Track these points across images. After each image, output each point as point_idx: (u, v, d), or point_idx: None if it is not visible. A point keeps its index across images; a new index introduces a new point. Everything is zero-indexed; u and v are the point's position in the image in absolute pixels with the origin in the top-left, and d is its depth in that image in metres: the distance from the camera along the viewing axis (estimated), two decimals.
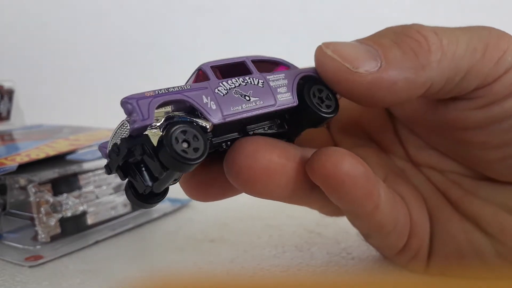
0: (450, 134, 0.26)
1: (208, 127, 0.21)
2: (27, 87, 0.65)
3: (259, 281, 0.28)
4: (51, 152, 0.38)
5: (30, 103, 0.60)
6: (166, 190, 0.22)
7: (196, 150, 0.20)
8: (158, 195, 0.22)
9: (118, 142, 0.20)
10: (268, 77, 0.23)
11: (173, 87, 0.21)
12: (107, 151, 0.21)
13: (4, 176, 0.36)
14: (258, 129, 0.23)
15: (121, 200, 0.40)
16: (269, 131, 0.24)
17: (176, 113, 0.21)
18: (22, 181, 0.36)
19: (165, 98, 0.20)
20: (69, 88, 0.79)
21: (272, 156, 0.22)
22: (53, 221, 0.36)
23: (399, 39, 0.23)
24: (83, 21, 0.79)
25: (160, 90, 0.20)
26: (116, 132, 0.21)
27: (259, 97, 0.22)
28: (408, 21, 0.24)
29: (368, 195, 0.23)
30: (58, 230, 0.36)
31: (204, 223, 0.40)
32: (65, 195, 0.37)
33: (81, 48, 0.79)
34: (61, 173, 0.37)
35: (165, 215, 0.42)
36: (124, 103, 0.19)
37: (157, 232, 0.39)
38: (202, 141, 0.20)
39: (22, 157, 0.37)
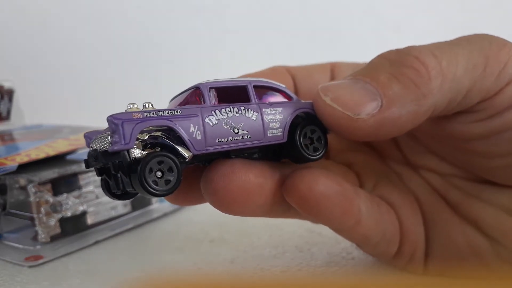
0: (452, 143, 0.26)
1: (187, 156, 0.21)
2: (27, 87, 0.65)
3: (259, 281, 0.28)
4: (51, 152, 0.38)
5: (30, 103, 0.60)
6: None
7: (167, 182, 0.20)
8: (130, 195, 0.22)
9: (98, 148, 0.21)
10: (264, 109, 0.23)
11: (163, 110, 0.21)
12: (89, 148, 0.22)
13: (4, 176, 0.36)
14: (242, 154, 0.23)
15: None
16: (253, 157, 0.24)
17: (160, 133, 0.21)
18: (22, 181, 0.36)
19: (151, 123, 0.20)
20: (69, 88, 0.79)
21: (249, 176, 0.22)
22: (53, 221, 0.36)
23: (396, 71, 0.22)
24: (83, 21, 0.79)
25: (149, 112, 0.20)
26: (100, 137, 0.21)
27: (249, 131, 0.22)
28: (408, 21, 0.23)
29: (347, 213, 0.23)
30: (58, 230, 0.36)
31: (204, 223, 0.40)
32: (65, 195, 0.37)
33: (81, 48, 0.79)
34: (61, 173, 0.37)
35: (165, 215, 0.42)
36: (110, 121, 0.20)
37: (157, 232, 0.39)
38: (175, 175, 0.20)
39: (22, 157, 0.37)
